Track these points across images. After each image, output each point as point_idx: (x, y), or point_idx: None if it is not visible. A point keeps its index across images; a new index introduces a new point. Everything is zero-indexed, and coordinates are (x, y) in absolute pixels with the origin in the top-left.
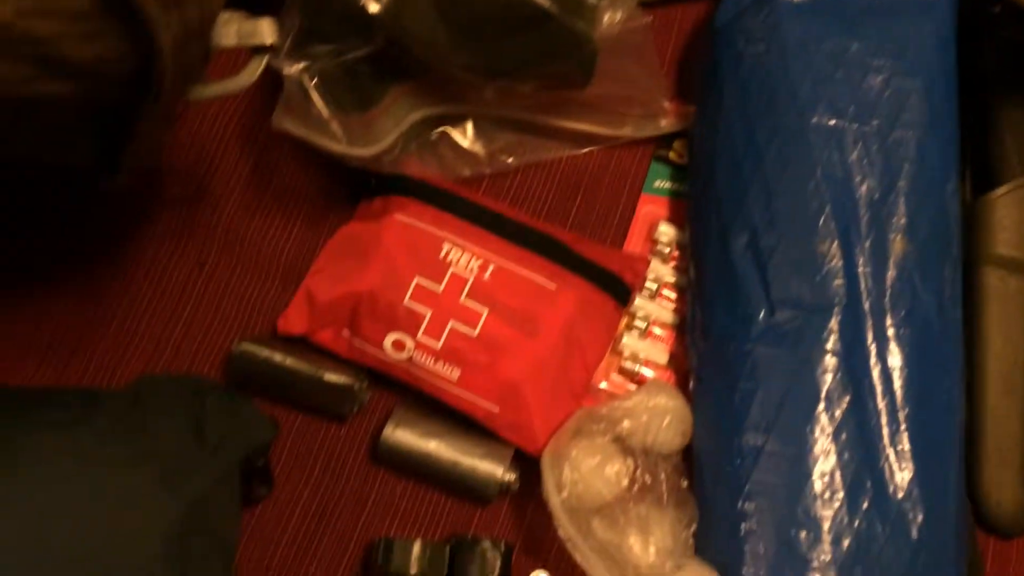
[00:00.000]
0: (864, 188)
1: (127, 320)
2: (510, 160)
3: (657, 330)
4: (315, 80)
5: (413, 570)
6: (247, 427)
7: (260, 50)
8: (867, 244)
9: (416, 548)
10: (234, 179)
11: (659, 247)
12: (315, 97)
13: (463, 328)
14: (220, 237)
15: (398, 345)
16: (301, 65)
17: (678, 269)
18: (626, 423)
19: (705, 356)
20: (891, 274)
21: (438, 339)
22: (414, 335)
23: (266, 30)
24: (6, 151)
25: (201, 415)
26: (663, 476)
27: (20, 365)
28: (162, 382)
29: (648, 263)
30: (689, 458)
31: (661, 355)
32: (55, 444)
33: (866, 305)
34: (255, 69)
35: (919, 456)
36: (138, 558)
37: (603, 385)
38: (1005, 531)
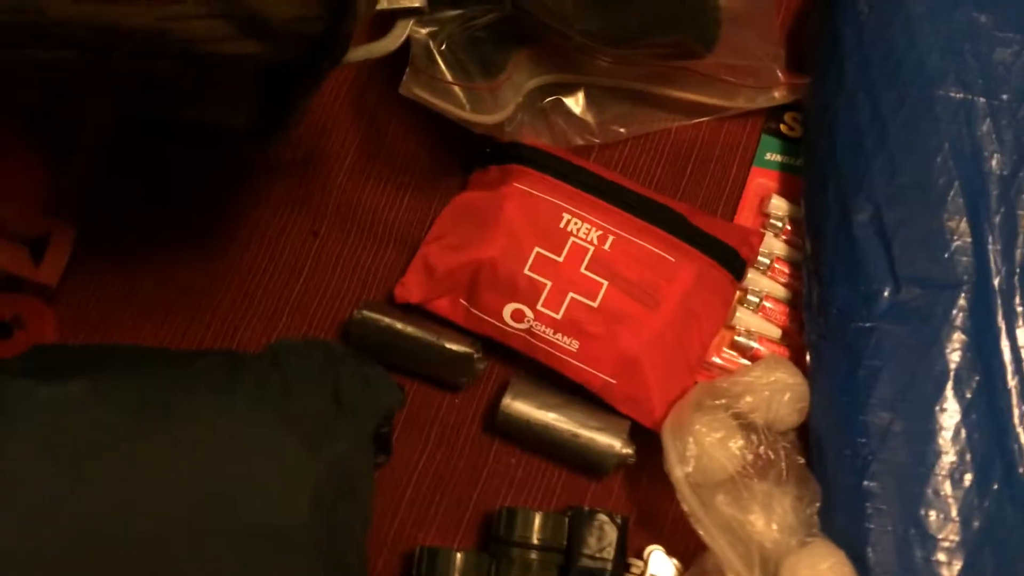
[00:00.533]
0: (993, 163)
1: (244, 285)
2: (622, 130)
3: (769, 305)
4: (443, 46)
5: (536, 539)
6: (379, 392)
7: (406, 13)
8: (996, 220)
9: (538, 518)
10: (346, 146)
11: (771, 221)
12: (442, 63)
13: (583, 299)
14: (333, 204)
15: (517, 315)
16: (430, 30)
17: (791, 244)
18: (748, 398)
19: (824, 333)
20: (1020, 252)
21: (558, 310)
22: (533, 305)
23: None
24: (172, 109)
25: (337, 380)
26: (782, 453)
27: (140, 326)
28: (297, 347)
29: (762, 237)
30: (805, 436)
31: (774, 330)
32: (213, 405)
33: (995, 283)
34: (401, 33)
35: None
36: (290, 520)
37: (716, 360)
38: None
